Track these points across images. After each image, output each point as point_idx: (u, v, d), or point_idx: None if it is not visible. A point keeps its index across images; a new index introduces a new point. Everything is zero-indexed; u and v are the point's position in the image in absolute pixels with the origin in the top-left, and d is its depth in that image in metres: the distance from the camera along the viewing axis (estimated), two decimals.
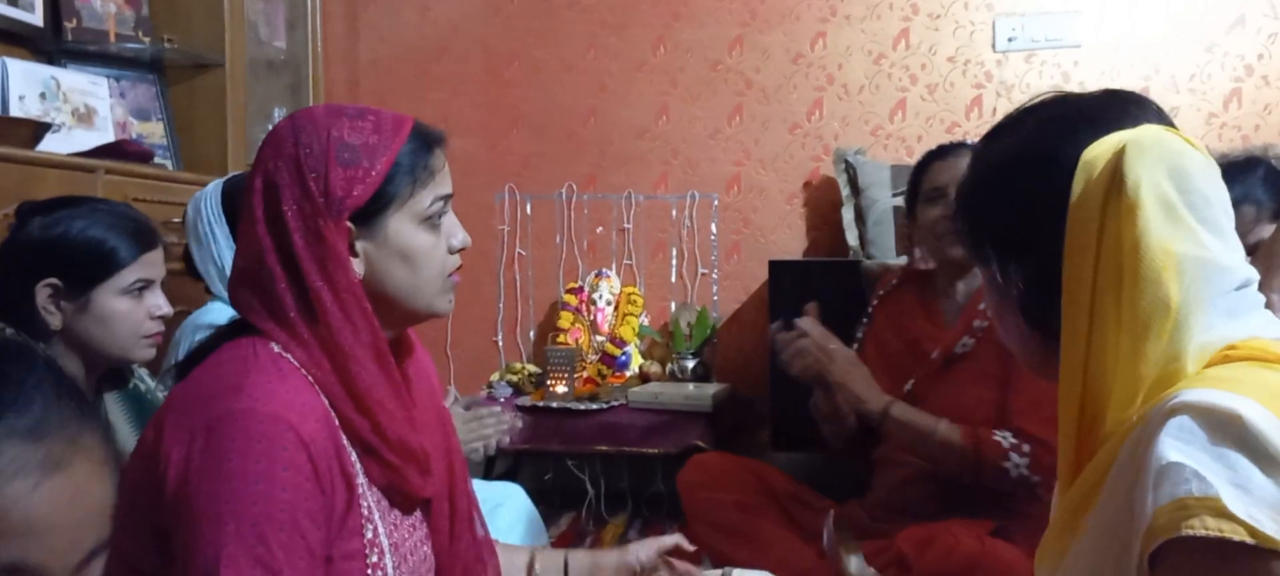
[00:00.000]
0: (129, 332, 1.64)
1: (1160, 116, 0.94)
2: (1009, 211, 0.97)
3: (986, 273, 1.02)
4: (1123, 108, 0.94)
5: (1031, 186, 0.94)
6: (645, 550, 1.48)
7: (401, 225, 1.16)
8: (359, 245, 1.14)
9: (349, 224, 1.12)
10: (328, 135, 1.12)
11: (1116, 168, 0.87)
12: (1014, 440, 1.81)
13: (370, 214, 1.14)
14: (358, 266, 1.14)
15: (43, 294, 1.58)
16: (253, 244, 1.13)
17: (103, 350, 1.63)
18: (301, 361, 1.10)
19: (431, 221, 1.19)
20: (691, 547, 1.58)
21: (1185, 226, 0.86)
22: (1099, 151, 0.89)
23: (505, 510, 2.05)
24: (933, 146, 2.20)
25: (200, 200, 2.11)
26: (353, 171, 1.12)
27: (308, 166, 1.11)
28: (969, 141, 2.11)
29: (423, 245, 1.18)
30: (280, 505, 0.99)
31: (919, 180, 2.12)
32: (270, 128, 1.21)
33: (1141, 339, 0.85)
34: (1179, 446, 0.78)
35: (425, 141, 1.19)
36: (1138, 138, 0.88)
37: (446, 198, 1.21)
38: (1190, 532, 0.75)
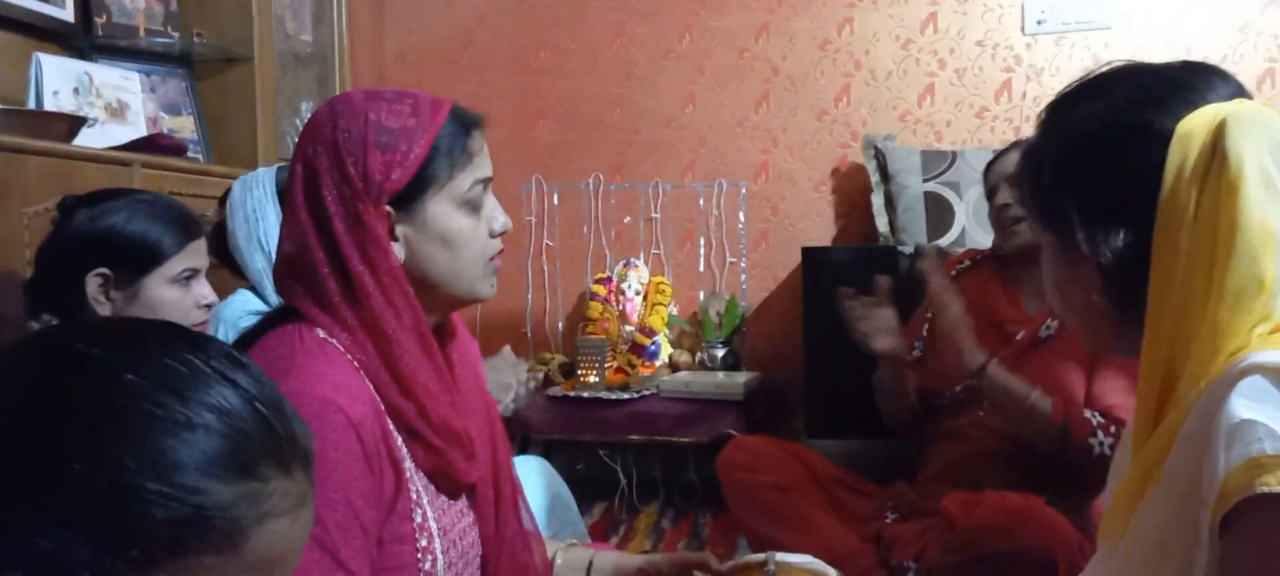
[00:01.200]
0: (179, 321, 1.64)
1: (1240, 89, 0.93)
2: (1099, 179, 0.95)
3: (1057, 240, 1.00)
4: (1207, 79, 0.93)
5: (1124, 155, 0.93)
6: (669, 564, 1.44)
7: (440, 208, 1.15)
8: (399, 229, 1.14)
9: (388, 208, 1.12)
10: (366, 120, 1.12)
11: (1217, 142, 0.86)
12: (1103, 419, 1.84)
13: (409, 198, 1.13)
14: (398, 250, 1.14)
15: (93, 284, 1.60)
16: (296, 229, 1.13)
17: None
18: (346, 346, 1.10)
19: (471, 204, 1.18)
20: (721, 567, 1.54)
21: None
22: (1196, 124, 0.88)
23: (533, 480, 2.03)
24: (962, 131, 2.23)
25: (251, 180, 2.10)
26: (391, 155, 1.11)
27: (346, 151, 1.11)
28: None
29: (463, 228, 1.17)
30: (333, 486, 1.00)
31: (986, 173, 2.21)
32: (299, 121, 1.21)
33: (1233, 313, 0.84)
34: (1251, 405, 0.78)
35: (463, 124, 1.18)
36: (1238, 112, 0.87)
37: (486, 180, 1.20)
38: (1265, 490, 0.74)
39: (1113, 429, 1.82)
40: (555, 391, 3.28)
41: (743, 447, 2.23)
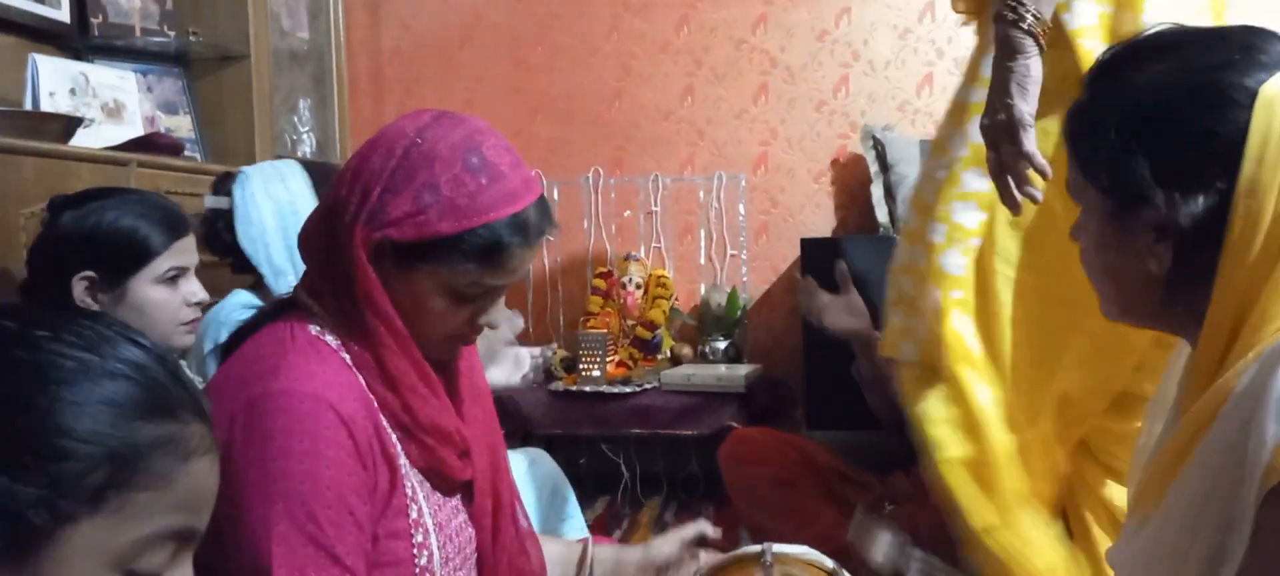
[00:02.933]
0: (167, 320, 1.64)
1: None
2: (1177, 140, 0.92)
3: (1114, 203, 0.97)
4: (1272, 42, 0.92)
5: (1206, 117, 0.90)
6: (668, 545, 1.45)
7: (425, 282, 1.10)
8: (390, 266, 1.09)
9: (382, 237, 1.07)
10: (431, 168, 1.06)
11: None
12: None
13: (407, 253, 1.08)
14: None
15: (80, 287, 1.58)
16: (318, 215, 1.14)
17: None
18: (340, 342, 1.10)
19: (461, 295, 1.12)
20: (716, 532, 1.55)
21: None
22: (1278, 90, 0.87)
23: (535, 472, 2.03)
24: None
25: (272, 171, 2.03)
26: (421, 216, 1.06)
27: (389, 179, 1.06)
28: None
29: (436, 307, 1.11)
30: (326, 482, 0.99)
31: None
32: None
33: None
34: None
35: (521, 232, 1.10)
36: None
37: (500, 288, 1.14)
38: None
39: None
40: (557, 386, 3.27)
41: (743, 440, 2.24)
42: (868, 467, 2.19)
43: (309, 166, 2.10)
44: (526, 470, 1.97)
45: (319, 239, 1.12)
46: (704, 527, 1.52)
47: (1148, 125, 0.93)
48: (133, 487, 0.65)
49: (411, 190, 1.06)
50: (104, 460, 0.64)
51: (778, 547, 1.59)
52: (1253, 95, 0.87)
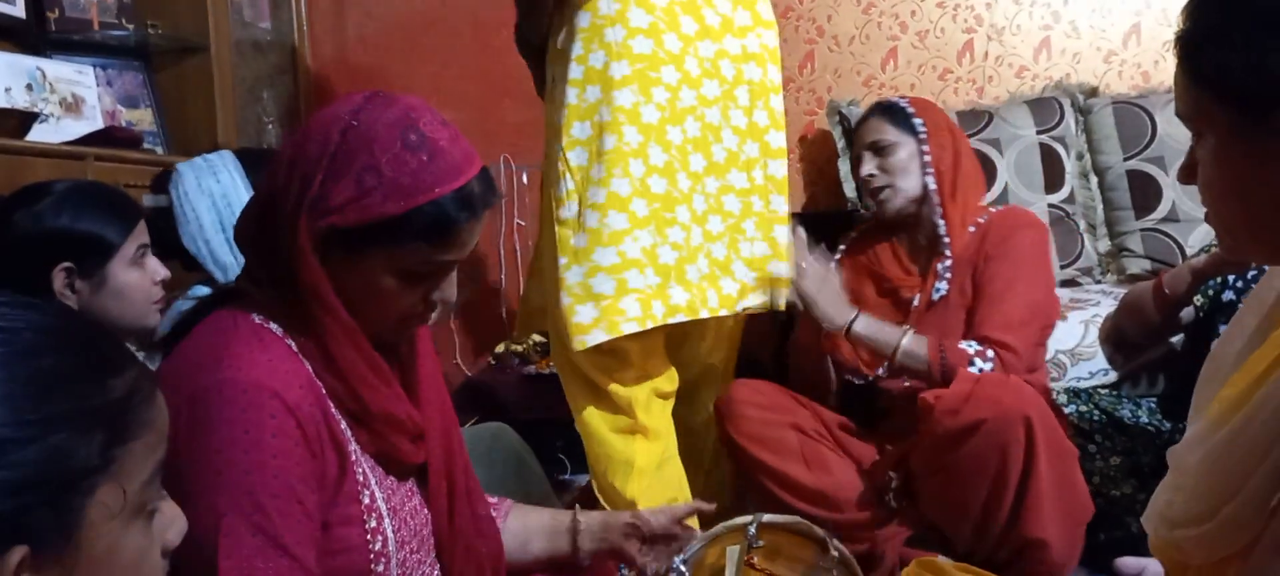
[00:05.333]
0: (143, 300, 1.68)
1: None
2: None
3: (1245, 121, 0.91)
4: None
5: None
6: (659, 517, 1.45)
7: (375, 266, 1.09)
8: (337, 253, 1.08)
9: (327, 225, 1.06)
10: (371, 150, 1.05)
11: None
12: (979, 346, 1.92)
13: (354, 238, 1.07)
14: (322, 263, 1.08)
15: (59, 279, 1.60)
16: (255, 206, 1.13)
17: (118, 322, 1.65)
18: (284, 330, 1.09)
19: (412, 275, 1.11)
20: (710, 507, 1.56)
21: None
22: None
23: (497, 451, 2.04)
24: (926, 93, 2.25)
25: (204, 166, 2.00)
26: (365, 199, 1.05)
27: (329, 165, 1.05)
28: (898, 99, 2.22)
29: (387, 288, 1.11)
30: (273, 471, 0.99)
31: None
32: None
33: None
34: None
35: (468, 206, 1.09)
36: None
37: (450, 264, 1.14)
38: None
39: (990, 354, 1.90)
40: (531, 370, 3.27)
41: (754, 387, 2.17)
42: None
43: (242, 154, 2.07)
44: (488, 445, 1.98)
45: (258, 231, 1.11)
46: (700, 505, 1.53)
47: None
48: (129, 438, 0.69)
49: (352, 174, 1.04)
50: (118, 407, 0.69)
51: (767, 517, 1.59)
52: None
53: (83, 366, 0.69)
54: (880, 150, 2.14)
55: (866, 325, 2.01)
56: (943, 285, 2.08)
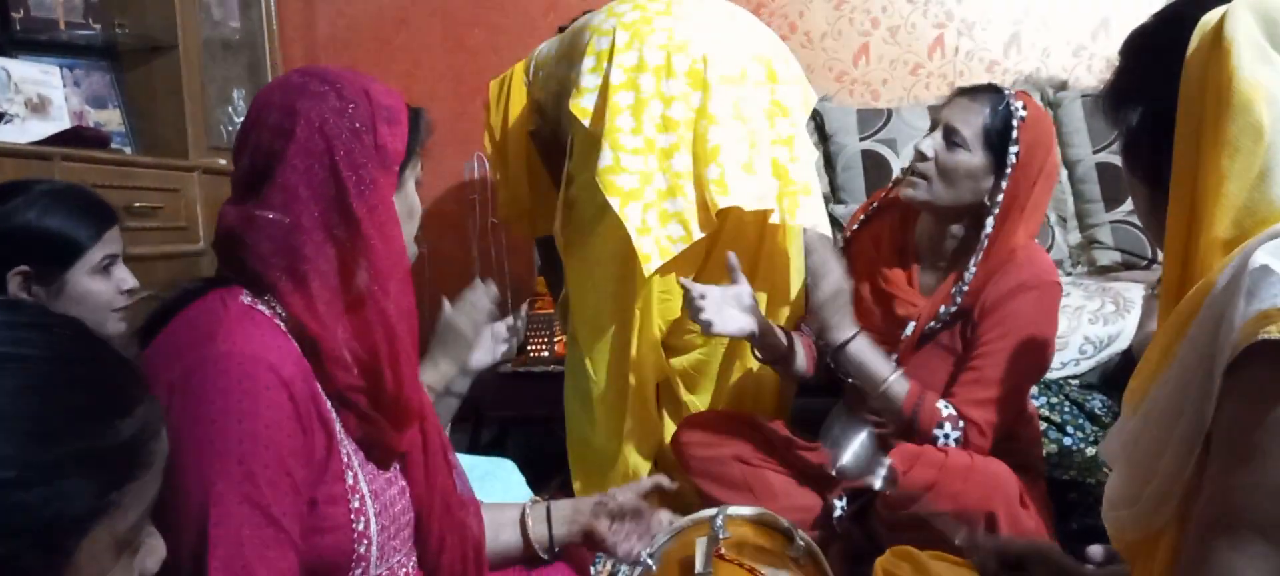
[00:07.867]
0: (102, 309, 1.65)
1: None
2: (1150, 73, 1.01)
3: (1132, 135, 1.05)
4: None
5: (1161, 47, 1.00)
6: (625, 493, 1.50)
7: (408, 182, 1.22)
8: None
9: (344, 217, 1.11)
10: (366, 92, 1.14)
11: (1221, 21, 0.92)
12: (954, 413, 1.86)
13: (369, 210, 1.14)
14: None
15: (15, 282, 1.57)
16: (286, 195, 1.10)
17: None
18: (273, 311, 1.09)
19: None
20: (672, 486, 1.58)
21: (1275, 66, 0.90)
22: (1213, 12, 0.93)
23: (494, 481, 2.04)
24: (898, 89, 2.21)
25: None
26: (396, 128, 1.16)
27: (358, 119, 1.12)
28: (1011, 105, 1.93)
29: (415, 204, 1.25)
30: (264, 442, 0.99)
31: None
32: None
33: (1233, 158, 0.88)
34: (1275, 260, 0.80)
35: (417, 111, 1.24)
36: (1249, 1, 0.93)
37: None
38: (1266, 337, 0.76)
39: (960, 425, 1.85)
40: (506, 368, 3.26)
41: (699, 423, 2.25)
42: (813, 435, 2.22)
43: None
44: (490, 477, 2.00)
45: (308, 226, 1.11)
46: (661, 480, 1.56)
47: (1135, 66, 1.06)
48: (129, 480, 0.69)
49: (377, 116, 1.14)
50: (129, 446, 0.69)
51: (732, 509, 1.61)
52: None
53: (95, 405, 0.68)
54: (951, 140, 1.93)
55: (861, 349, 1.94)
56: (936, 325, 1.98)
